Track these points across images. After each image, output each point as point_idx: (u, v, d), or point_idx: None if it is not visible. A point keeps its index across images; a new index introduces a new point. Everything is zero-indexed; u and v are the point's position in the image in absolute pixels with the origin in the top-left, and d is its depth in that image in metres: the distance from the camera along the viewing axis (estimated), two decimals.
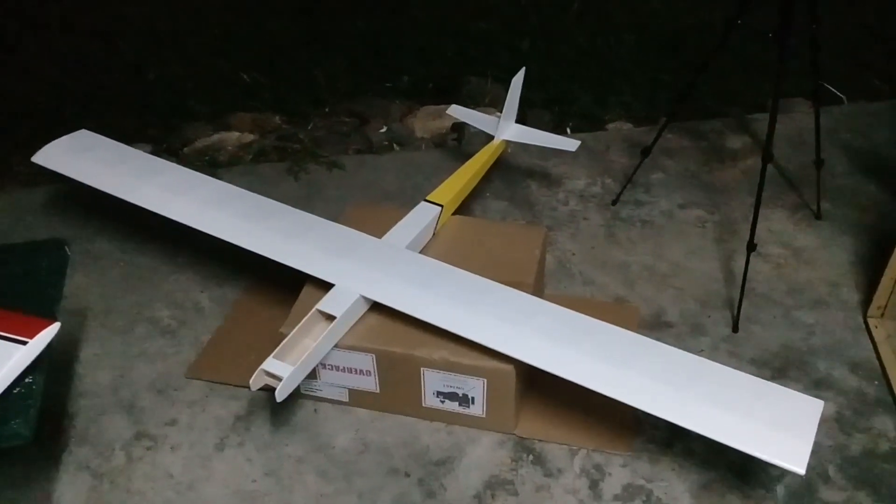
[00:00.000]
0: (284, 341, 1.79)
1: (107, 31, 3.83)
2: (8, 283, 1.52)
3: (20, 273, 1.52)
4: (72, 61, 3.60)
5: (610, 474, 1.86)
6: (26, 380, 1.32)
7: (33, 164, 2.98)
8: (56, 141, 2.36)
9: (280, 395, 1.72)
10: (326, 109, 3.34)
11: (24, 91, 3.40)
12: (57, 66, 3.59)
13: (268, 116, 3.29)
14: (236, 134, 3.17)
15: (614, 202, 2.72)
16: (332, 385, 1.97)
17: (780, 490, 1.82)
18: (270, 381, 1.74)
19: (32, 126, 3.10)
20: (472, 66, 3.55)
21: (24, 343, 1.30)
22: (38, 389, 1.31)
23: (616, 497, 1.81)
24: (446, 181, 2.30)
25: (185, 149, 3.10)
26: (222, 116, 3.28)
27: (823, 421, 1.93)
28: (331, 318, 1.83)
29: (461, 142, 3.06)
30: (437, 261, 2.02)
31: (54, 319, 1.37)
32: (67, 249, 1.59)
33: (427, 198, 2.20)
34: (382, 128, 3.19)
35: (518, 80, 2.52)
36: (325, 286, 1.92)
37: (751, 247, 2.19)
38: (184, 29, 3.87)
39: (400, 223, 2.12)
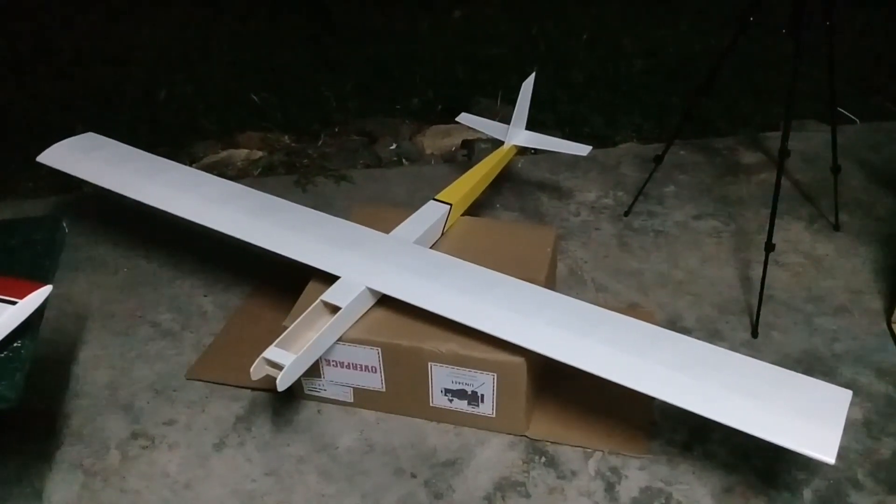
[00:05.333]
0: (287, 331, 1.73)
1: (118, 57, 3.87)
2: (3, 255, 1.47)
3: (15, 245, 1.48)
4: (83, 82, 3.63)
5: (627, 477, 1.77)
6: (14, 344, 1.27)
7: (39, 178, 3.00)
8: (62, 142, 2.35)
9: (281, 385, 1.65)
10: (336, 129, 3.34)
11: (35, 111, 3.41)
12: (68, 88, 3.61)
13: (277, 135, 3.28)
14: (245, 151, 3.17)
15: (626, 213, 2.67)
16: (336, 384, 1.90)
17: (807, 494, 1.72)
18: (271, 371, 1.67)
19: (41, 144, 3.10)
20: (481, 89, 3.56)
21: (14, 303, 1.25)
22: (27, 354, 1.26)
23: (634, 500, 1.72)
24: (455, 182, 2.27)
25: (193, 165, 3.08)
26: (231, 135, 3.28)
27: (851, 425, 1.85)
28: (336, 309, 1.77)
29: (470, 157, 3.03)
30: (445, 254, 1.97)
31: (47, 283, 1.32)
32: (65, 226, 1.55)
33: (436, 196, 2.16)
34: (392, 145, 3.17)
35: (528, 84, 2.49)
36: (330, 281, 1.86)
37: (769, 247, 2.13)
38: (195, 54, 3.91)
39: (407, 220, 2.07)
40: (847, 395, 1.58)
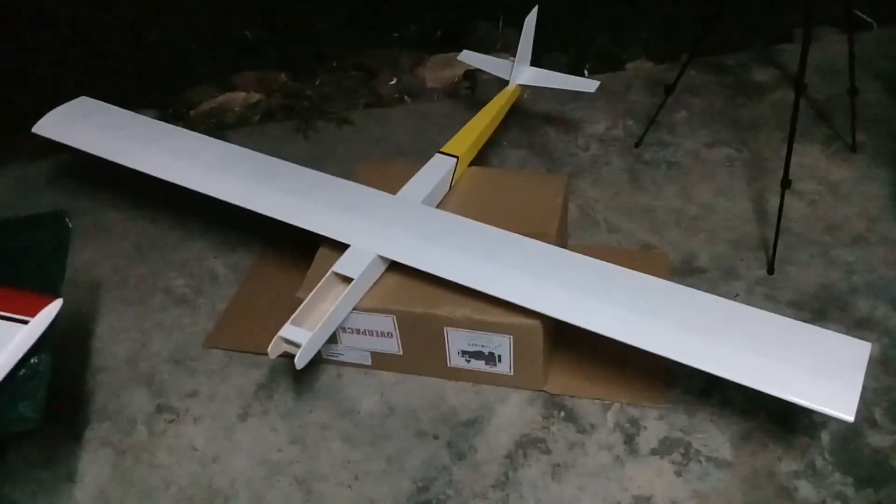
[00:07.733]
0: (301, 306, 1.72)
1: None
2: (7, 260, 1.45)
3: (19, 249, 1.45)
4: (69, 29, 3.50)
5: (646, 428, 1.79)
6: (31, 360, 1.26)
7: (36, 135, 2.94)
8: (56, 109, 2.28)
9: (300, 362, 1.66)
10: (333, 64, 3.23)
11: (22, 62, 3.31)
12: (54, 34, 3.49)
13: (273, 74, 3.18)
14: (242, 94, 3.08)
15: (637, 144, 2.60)
16: (353, 349, 1.91)
17: (825, 437, 1.74)
18: (289, 349, 1.68)
19: (33, 97, 3.02)
20: (480, 10, 3.41)
21: (26, 322, 1.24)
22: (45, 370, 1.25)
23: (653, 451, 1.75)
24: (461, 131, 2.20)
25: (192, 112, 3.01)
26: (227, 77, 3.18)
27: (868, 363, 1.84)
28: (348, 280, 1.75)
29: (474, 90, 2.95)
30: (454, 215, 1.94)
31: (57, 296, 1.31)
32: (68, 222, 1.52)
33: (441, 150, 2.11)
34: (392, 80, 3.08)
35: (531, 19, 2.39)
36: (340, 247, 1.84)
37: (785, 184, 2.08)
38: None
39: (414, 178, 2.03)
40: (866, 347, 1.57)
